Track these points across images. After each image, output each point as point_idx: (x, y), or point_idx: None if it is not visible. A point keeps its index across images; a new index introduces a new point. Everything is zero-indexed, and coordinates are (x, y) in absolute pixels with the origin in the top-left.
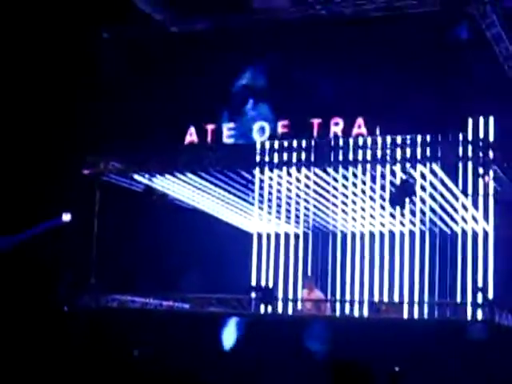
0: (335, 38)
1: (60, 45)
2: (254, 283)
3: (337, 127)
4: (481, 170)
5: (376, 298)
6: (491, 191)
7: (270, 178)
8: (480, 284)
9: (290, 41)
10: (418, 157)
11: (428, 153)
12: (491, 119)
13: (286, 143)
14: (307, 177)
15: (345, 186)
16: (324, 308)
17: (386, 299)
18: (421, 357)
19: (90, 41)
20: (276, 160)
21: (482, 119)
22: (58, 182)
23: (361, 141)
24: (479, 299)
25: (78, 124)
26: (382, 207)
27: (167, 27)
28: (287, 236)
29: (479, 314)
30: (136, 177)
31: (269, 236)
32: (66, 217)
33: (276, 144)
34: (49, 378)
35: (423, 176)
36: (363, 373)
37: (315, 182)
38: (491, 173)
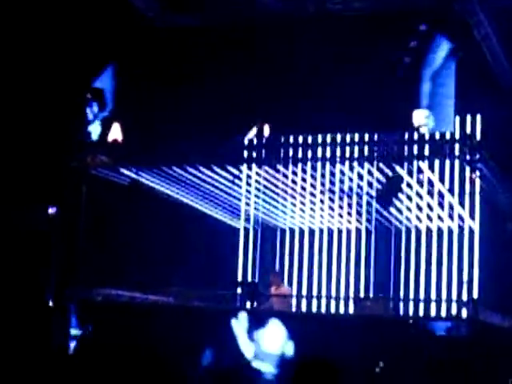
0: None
1: (50, 41)
2: (240, 278)
3: None
4: (468, 169)
5: (354, 294)
6: (477, 189)
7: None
8: (465, 281)
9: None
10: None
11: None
12: (478, 117)
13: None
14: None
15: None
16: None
17: (369, 295)
18: (402, 354)
19: (83, 34)
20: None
21: (469, 117)
22: (45, 175)
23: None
24: (464, 296)
25: (67, 116)
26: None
27: (153, 22)
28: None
29: (463, 312)
30: (123, 170)
31: (256, 231)
32: (52, 210)
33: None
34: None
35: (410, 174)
36: (328, 371)
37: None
38: (477, 171)
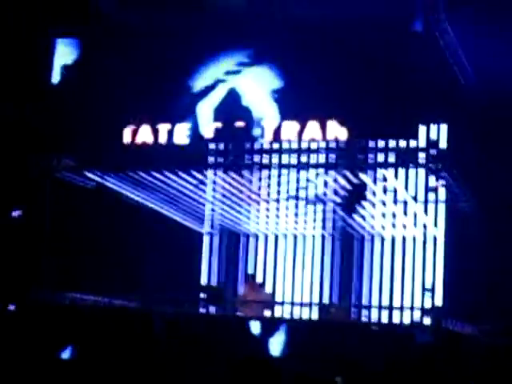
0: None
1: (8, 44)
2: (203, 283)
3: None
4: (432, 178)
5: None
6: (442, 198)
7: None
8: (428, 290)
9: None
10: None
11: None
12: (443, 127)
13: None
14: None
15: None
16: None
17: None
18: (366, 359)
19: (40, 39)
20: None
21: (434, 126)
22: (10, 177)
23: (314, 145)
24: (427, 304)
25: (32, 120)
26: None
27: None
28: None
29: (427, 319)
30: (88, 174)
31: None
32: (16, 213)
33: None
34: None
35: (375, 181)
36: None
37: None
38: (442, 180)
